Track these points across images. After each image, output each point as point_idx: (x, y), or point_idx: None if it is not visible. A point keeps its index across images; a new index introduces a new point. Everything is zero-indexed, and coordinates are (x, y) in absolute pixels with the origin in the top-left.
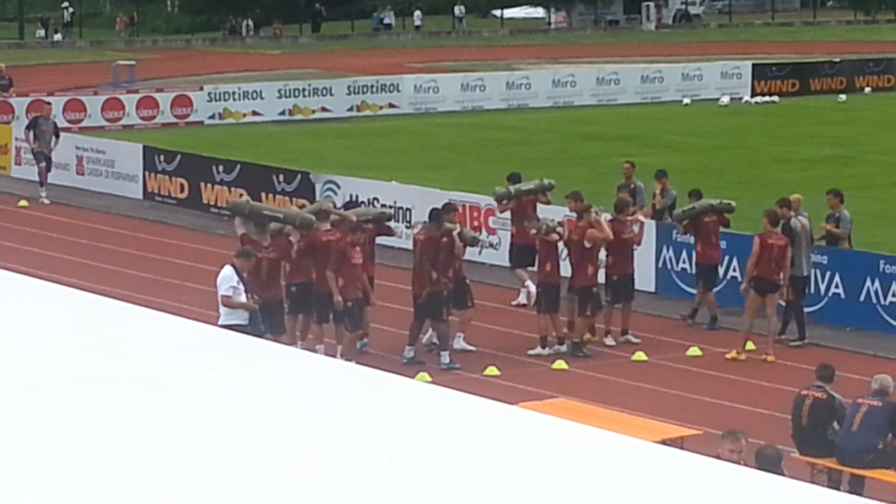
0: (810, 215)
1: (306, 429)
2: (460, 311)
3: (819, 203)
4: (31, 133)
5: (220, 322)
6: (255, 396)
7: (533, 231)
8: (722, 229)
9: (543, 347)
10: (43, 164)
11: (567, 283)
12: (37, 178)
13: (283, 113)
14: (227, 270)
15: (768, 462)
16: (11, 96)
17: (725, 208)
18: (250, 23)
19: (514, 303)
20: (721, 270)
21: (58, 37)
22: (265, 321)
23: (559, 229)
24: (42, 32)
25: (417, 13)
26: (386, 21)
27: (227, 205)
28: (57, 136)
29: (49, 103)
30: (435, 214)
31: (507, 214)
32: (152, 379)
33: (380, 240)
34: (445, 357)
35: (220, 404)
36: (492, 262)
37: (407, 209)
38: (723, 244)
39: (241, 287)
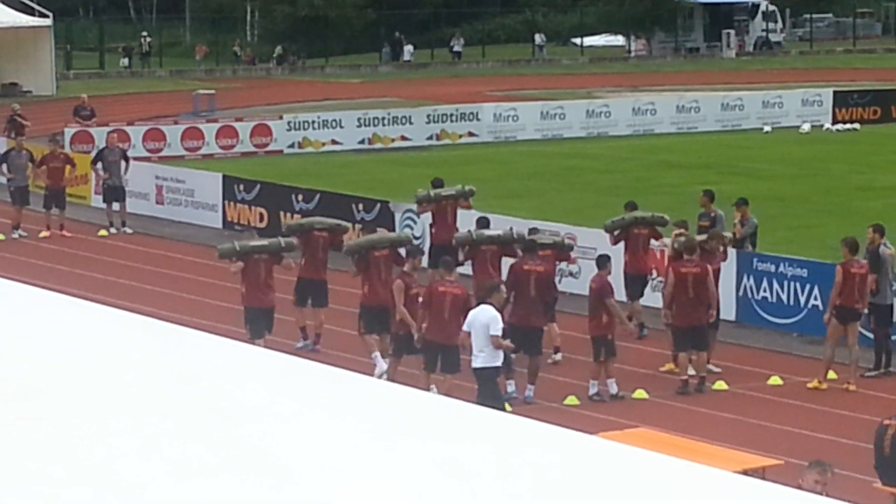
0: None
1: (383, 457)
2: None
3: None
4: (100, 165)
5: (481, 364)
6: (331, 425)
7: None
8: (800, 256)
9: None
10: (115, 204)
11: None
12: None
13: (362, 142)
14: (492, 311)
15: None
16: (93, 126)
17: (658, 221)
18: (279, 53)
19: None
20: (802, 297)
21: (125, 61)
22: (259, 325)
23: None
24: (126, 61)
25: (409, 48)
26: (455, 49)
27: (217, 252)
28: (126, 162)
29: (114, 132)
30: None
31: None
32: (229, 408)
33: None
34: (530, 391)
35: (296, 433)
36: (571, 290)
37: None
38: (803, 272)
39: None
